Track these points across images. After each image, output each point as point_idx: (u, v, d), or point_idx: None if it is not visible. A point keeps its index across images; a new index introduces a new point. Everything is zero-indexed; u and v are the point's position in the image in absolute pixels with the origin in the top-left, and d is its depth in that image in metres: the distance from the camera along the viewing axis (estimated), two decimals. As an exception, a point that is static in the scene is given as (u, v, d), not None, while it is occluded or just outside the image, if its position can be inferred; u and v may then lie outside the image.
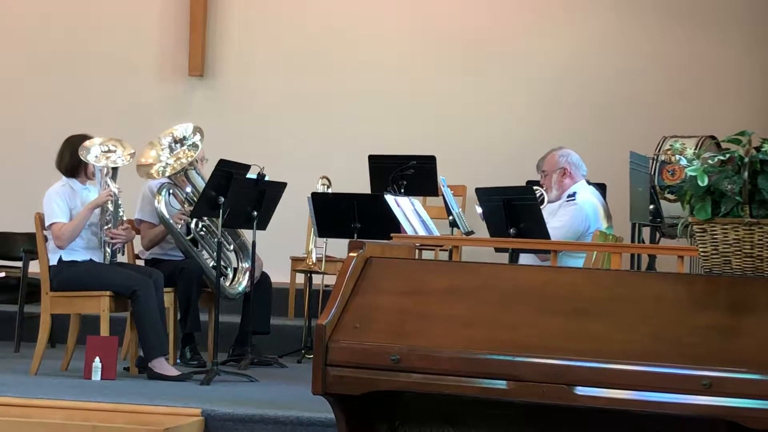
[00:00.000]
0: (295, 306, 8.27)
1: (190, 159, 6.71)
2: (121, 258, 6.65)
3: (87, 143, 6.44)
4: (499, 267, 3.87)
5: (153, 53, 9.86)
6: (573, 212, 6.60)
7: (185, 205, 6.81)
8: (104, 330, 6.27)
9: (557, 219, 6.56)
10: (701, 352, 3.23)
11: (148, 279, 6.33)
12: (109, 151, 6.45)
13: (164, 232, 6.89)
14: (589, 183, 7.28)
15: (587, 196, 6.74)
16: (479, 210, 6.71)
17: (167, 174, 6.71)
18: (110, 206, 6.41)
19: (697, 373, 3.17)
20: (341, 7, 9.66)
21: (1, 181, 9.63)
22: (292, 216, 7.88)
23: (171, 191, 6.81)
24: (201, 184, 6.73)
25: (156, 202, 6.73)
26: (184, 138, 6.78)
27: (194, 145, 6.75)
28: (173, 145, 6.76)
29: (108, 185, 6.40)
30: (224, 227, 6.53)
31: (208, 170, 6.63)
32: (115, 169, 6.45)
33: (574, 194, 6.69)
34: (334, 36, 9.59)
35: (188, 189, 6.80)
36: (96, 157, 6.42)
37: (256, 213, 6.59)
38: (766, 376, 3.12)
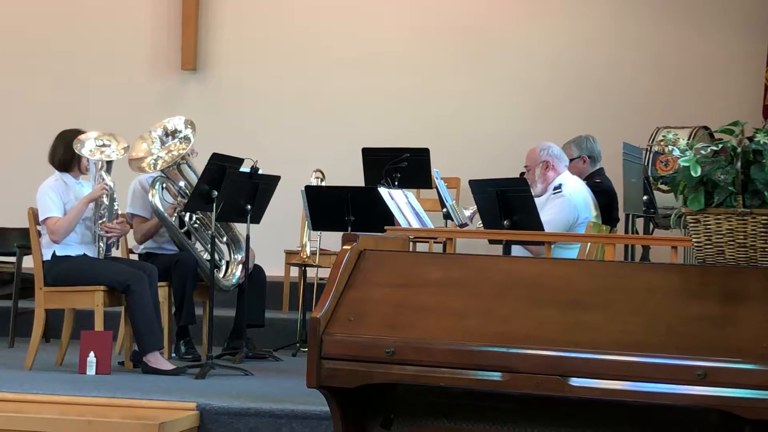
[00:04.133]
0: (289, 299, 8.26)
1: (182, 152, 6.69)
2: (116, 252, 6.64)
3: (82, 137, 6.43)
4: (493, 259, 3.87)
5: (146, 47, 9.84)
6: (561, 204, 6.59)
7: (178, 198, 6.79)
8: (98, 325, 6.26)
9: (546, 212, 6.54)
10: (695, 343, 3.23)
11: (142, 273, 6.31)
12: (104, 145, 6.44)
13: (157, 226, 6.87)
14: (603, 173, 7.31)
15: (573, 187, 6.73)
16: (466, 214, 6.80)
17: (159, 167, 6.69)
18: (105, 200, 6.40)
19: (691, 363, 3.18)
20: (334, 1, 9.64)
21: (-6, 176, 9.63)
22: (285, 209, 7.88)
23: (164, 185, 6.79)
24: (193, 177, 6.72)
25: (150, 195, 6.71)
26: (176, 131, 6.76)
27: (186, 138, 6.73)
28: (164, 138, 6.74)
29: (103, 179, 6.39)
30: (218, 221, 6.52)
31: (199, 164, 6.61)
32: (109, 163, 6.44)
33: (560, 186, 6.68)
34: (327, 30, 9.57)
35: (181, 183, 6.79)
36: (91, 151, 6.41)
37: (249, 206, 6.58)
38: (760, 366, 3.12)
